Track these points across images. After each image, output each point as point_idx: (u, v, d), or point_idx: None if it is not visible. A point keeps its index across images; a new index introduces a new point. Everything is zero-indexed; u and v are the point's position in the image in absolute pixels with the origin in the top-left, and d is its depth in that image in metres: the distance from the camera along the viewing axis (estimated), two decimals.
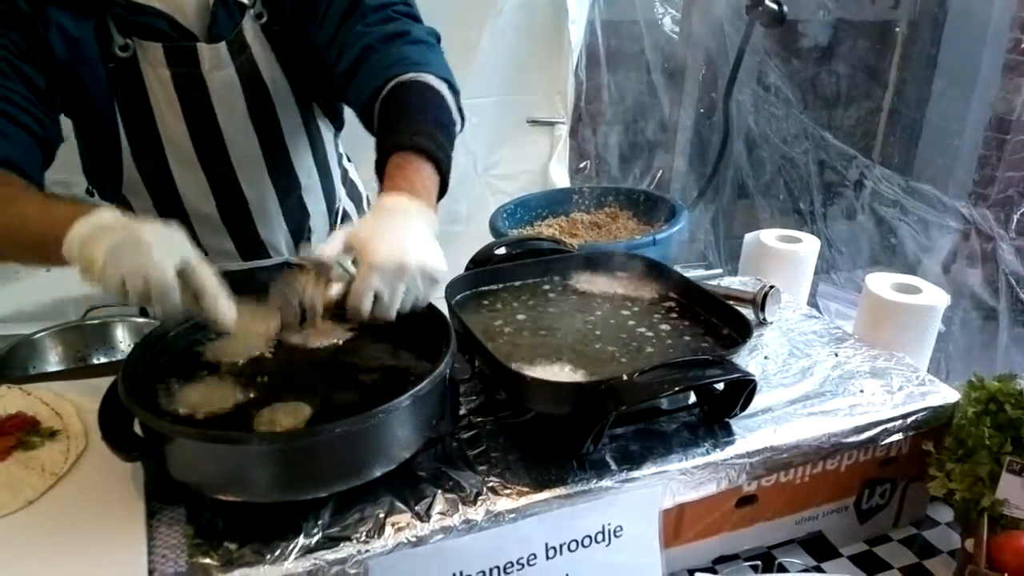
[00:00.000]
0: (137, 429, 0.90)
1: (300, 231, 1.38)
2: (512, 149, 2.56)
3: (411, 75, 1.08)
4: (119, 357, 2.00)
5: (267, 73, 1.22)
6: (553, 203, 1.92)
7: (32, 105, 1.07)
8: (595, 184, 2.54)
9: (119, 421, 0.90)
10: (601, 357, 1.09)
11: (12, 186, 1.01)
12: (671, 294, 1.26)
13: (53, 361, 1.92)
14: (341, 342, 1.08)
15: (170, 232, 0.88)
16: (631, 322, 1.19)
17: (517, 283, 1.30)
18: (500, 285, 1.29)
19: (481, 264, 1.32)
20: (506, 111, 2.50)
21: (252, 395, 0.96)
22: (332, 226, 1.47)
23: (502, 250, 1.34)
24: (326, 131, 1.39)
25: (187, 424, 0.89)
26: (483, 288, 1.28)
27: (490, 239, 1.59)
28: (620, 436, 1.06)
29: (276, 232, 1.35)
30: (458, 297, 1.24)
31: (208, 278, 0.88)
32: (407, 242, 0.91)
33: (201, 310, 0.89)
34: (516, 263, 1.32)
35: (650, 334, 1.15)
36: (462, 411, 1.10)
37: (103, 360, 1.94)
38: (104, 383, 0.96)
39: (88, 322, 2.04)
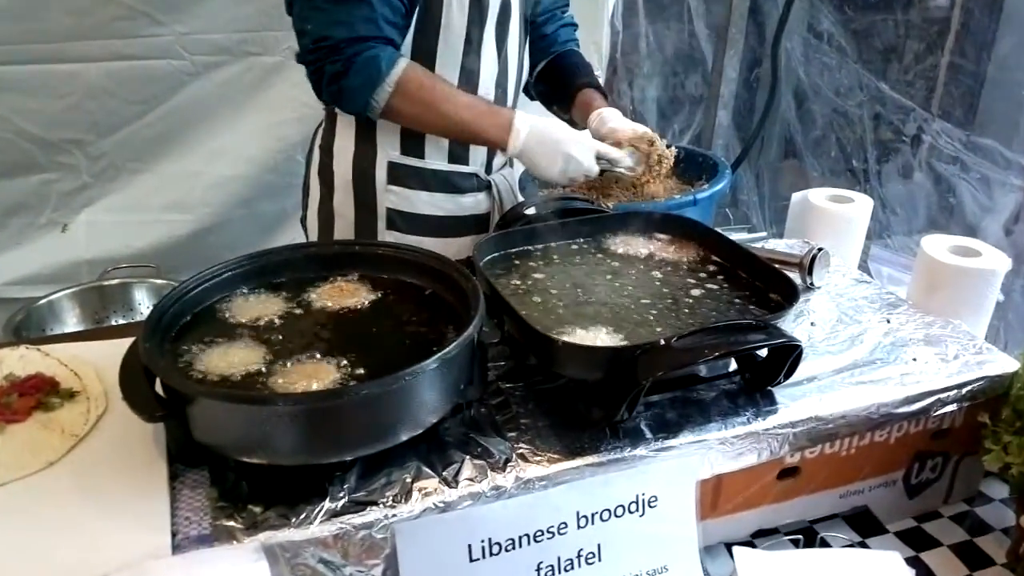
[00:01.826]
0: (159, 390, 0.92)
1: (492, 152, 1.58)
2: (541, 108, 2.54)
3: (572, 45, 1.74)
4: (138, 319, 2.05)
5: None
6: None
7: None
8: None
9: (140, 382, 0.92)
10: (636, 321, 1.09)
11: (442, 82, 1.42)
12: (712, 257, 1.26)
13: (71, 323, 1.98)
14: (368, 303, 1.10)
15: (580, 140, 1.47)
16: (669, 286, 1.19)
17: (548, 245, 1.31)
18: (530, 247, 1.30)
19: (510, 224, 1.33)
20: None
21: (276, 356, 0.99)
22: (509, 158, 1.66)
23: (532, 210, 1.35)
24: (524, 69, 1.64)
25: (211, 384, 0.92)
26: (512, 250, 1.29)
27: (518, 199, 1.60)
28: (656, 404, 1.07)
29: (480, 150, 1.55)
30: (487, 258, 1.25)
31: (612, 151, 1.52)
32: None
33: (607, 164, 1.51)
34: (547, 224, 1.32)
35: (689, 299, 1.15)
36: (490, 376, 1.12)
37: (121, 322, 1.98)
38: (124, 344, 0.98)
39: (105, 283, 2.08)
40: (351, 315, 1.08)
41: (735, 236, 1.30)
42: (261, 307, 1.09)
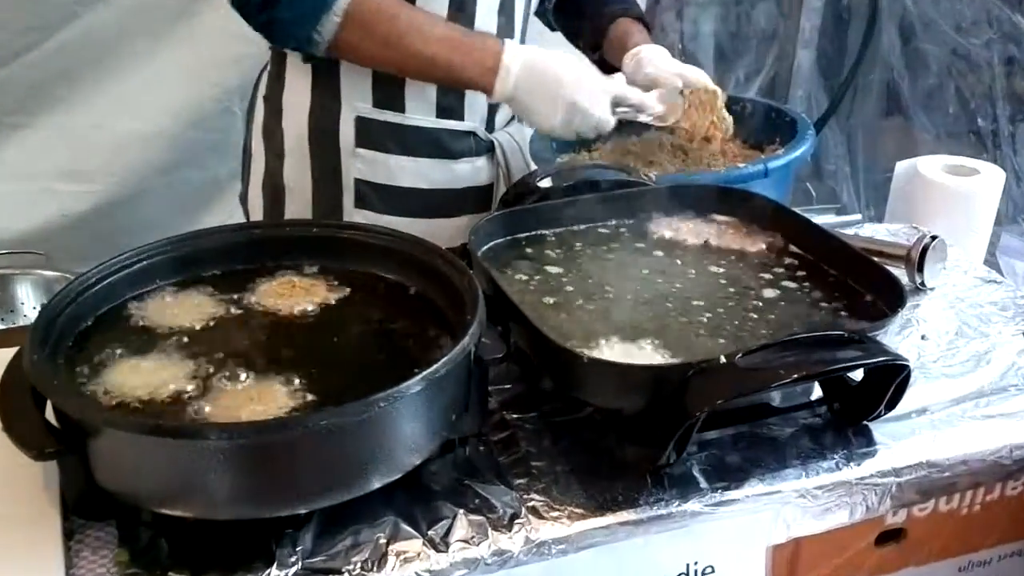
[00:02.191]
0: (51, 417, 0.92)
1: (495, 105, 1.58)
2: (563, 42, 2.54)
3: None
4: (21, 322, 2.06)
5: None
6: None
7: None
8: None
9: (26, 407, 0.92)
10: (688, 332, 1.09)
11: (408, 7, 1.40)
12: (790, 246, 1.26)
13: None
14: (329, 305, 1.11)
15: (590, 83, 1.43)
16: (732, 285, 1.19)
17: (569, 228, 1.31)
18: (546, 231, 1.30)
19: (519, 201, 1.34)
20: None
21: (207, 373, 0.99)
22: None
23: (547, 182, 1.35)
24: None
25: (120, 411, 0.92)
26: (522, 235, 1.30)
27: (529, 167, 1.60)
28: (714, 442, 1.07)
29: (478, 99, 1.55)
30: (487, 247, 1.25)
31: (635, 93, 1.49)
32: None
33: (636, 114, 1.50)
34: (568, 200, 1.33)
35: (758, 302, 1.16)
36: (492, 404, 1.12)
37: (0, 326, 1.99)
38: (4, 355, 0.98)
39: None
40: (307, 320, 1.09)
41: (821, 219, 1.30)
42: (187, 309, 1.09)
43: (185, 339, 1.05)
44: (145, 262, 1.12)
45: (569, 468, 1.03)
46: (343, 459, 0.90)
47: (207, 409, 0.94)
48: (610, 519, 0.97)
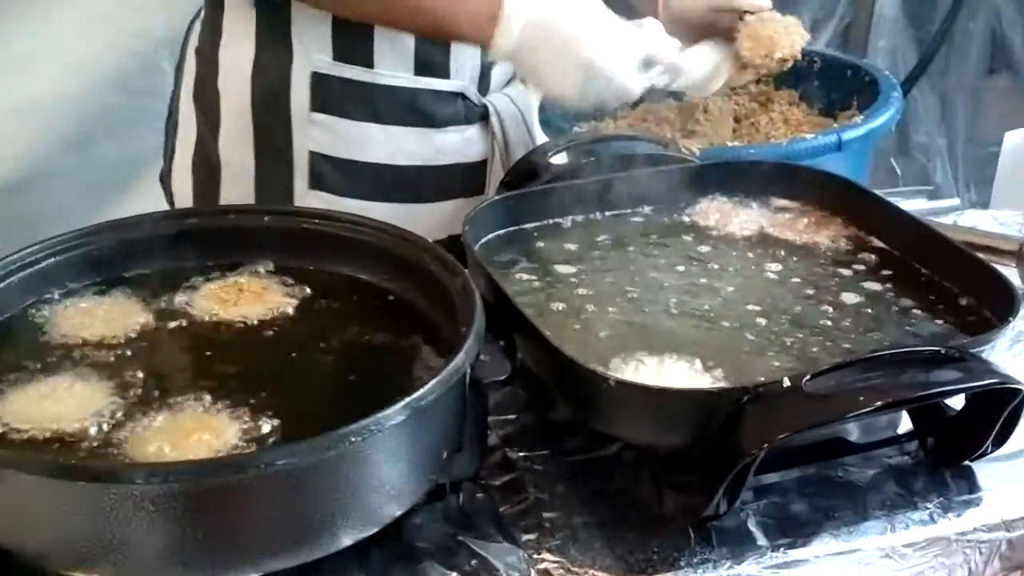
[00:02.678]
0: None
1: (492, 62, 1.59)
2: None
3: None
4: None
5: None
6: None
7: None
8: None
9: None
10: (741, 347, 1.10)
11: None
12: (871, 239, 1.27)
13: None
14: (287, 313, 1.12)
15: (613, 38, 1.40)
16: (796, 287, 1.20)
17: (590, 217, 1.32)
18: (560, 220, 1.31)
19: (525, 183, 1.35)
20: None
21: (134, 400, 0.99)
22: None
23: (560, 158, 1.35)
24: None
25: (21, 447, 0.92)
26: (529, 225, 1.31)
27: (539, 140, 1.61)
28: (775, 488, 1.07)
29: (467, 51, 1.55)
30: (487, 239, 1.26)
31: (672, 53, 1.45)
32: None
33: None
34: (587, 182, 1.34)
35: (830, 308, 1.16)
36: (493, 439, 1.13)
37: None
38: None
39: None
40: (259, 333, 1.09)
41: (909, 204, 1.30)
42: (107, 318, 1.10)
43: (105, 356, 1.05)
44: (52, 260, 1.13)
45: (591, 520, 1.04)
46: (304, 509, 0.90)
47: (133, 445, 0.94)
48: None
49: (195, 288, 1.15)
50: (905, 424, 1.14)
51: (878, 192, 1.35)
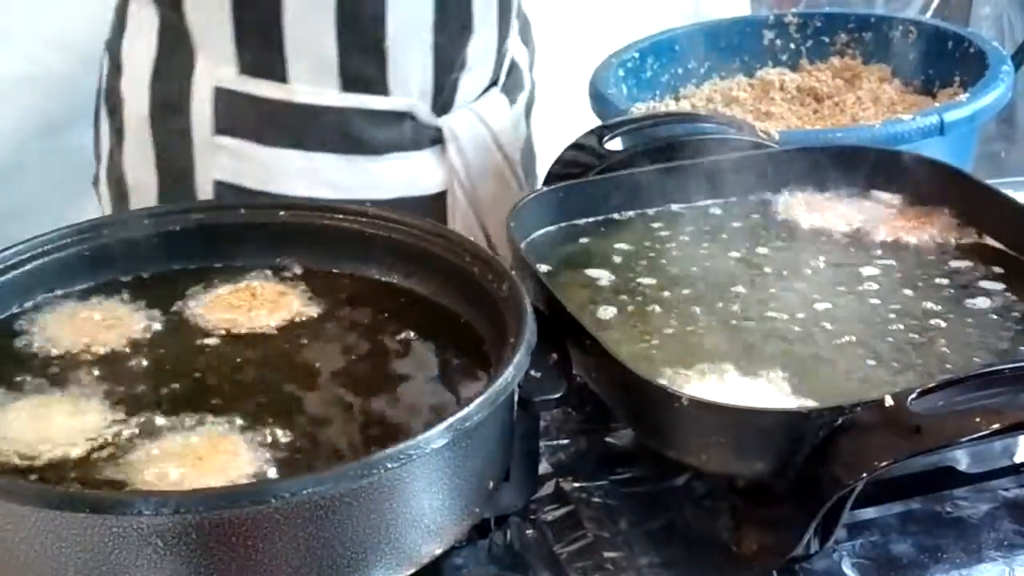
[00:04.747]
0: None
1: (449, 68, 1.49)
2: None
3: None
4: None
5: None
6: (722, 48, 1.95)
7: None
8: (808, 8, 2.53)
9: None
10: (835, 362, 1.10)
11: None
12: (984, 237, 1.27)
13: None
14: (307, 322, 1.13)
15: None
16: (897, 292, 1.20)
17: (653, 211, 1.33)
18: (618, 215, 1.33)
19: (577, 174, 1.35)
20: None
21: (137, 420, 1.00)
22: (498, 77, 1.59)
23: (616, 144, 1.36)
24: None
25: (10, 474, 0.94)
26: (584, 221, 1.32)
27: (590, 123, 1.61)
28: (874, 525, 1.07)
29: (414, 61, 1.46)
30: (536, 237, 1.27)
31: None
32: None
33: None
34: (648, 170, 1.35)
35: (938, 319, 1.16)
36: (545, 467, 1.13)
37: None
38: None
39: None
40: (276, 343, 1.10)
41: (1020, 197, 1.30)
42: (103, 328, 1.11)
43: (102, 371, 1.06)
44: (38, 262, 1.14)
45: (659, 561, 1.04)
46: (332, 545, 0.90)
47: (134, 471, 0.95)
48: None
49: (202, 293, 1.17)
50: None
51: (988, 182, 1.34)
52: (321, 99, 1.44)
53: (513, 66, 1.66)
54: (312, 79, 1.43)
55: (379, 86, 1.45)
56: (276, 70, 1.42)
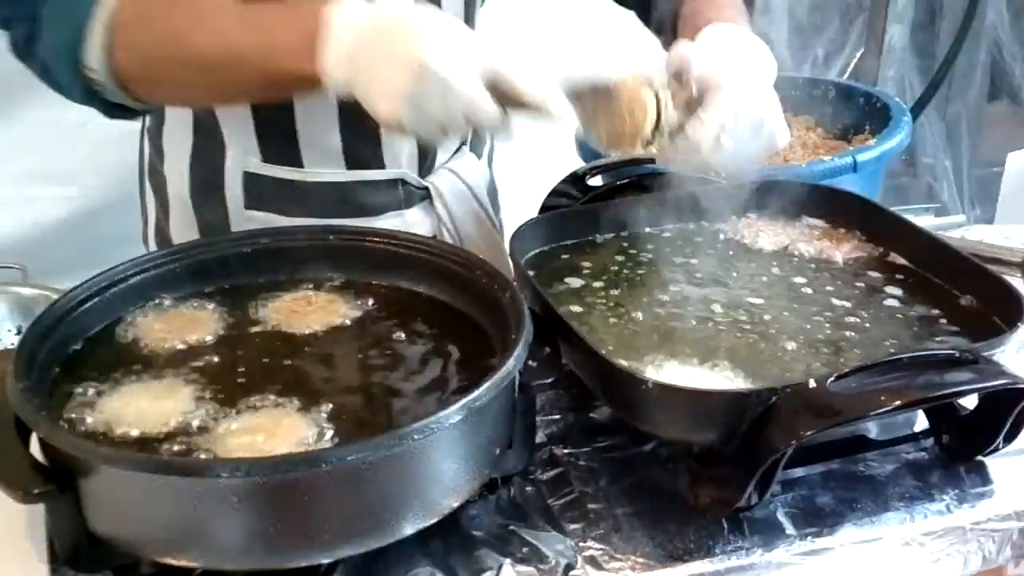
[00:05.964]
0: (38, 453, 0.94)
1: (430, 143, 1.45)
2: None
3: None
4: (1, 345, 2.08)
5: None
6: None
7: None
8: None
9: (10, 442, 0.93)
10: (770, 352, 1.10)
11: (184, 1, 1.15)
12: (888, 253, 1.27)
13: None
14: (351, 323, 1.13)
15: (452, 36, 1.04)
16: (819, 297, 1.20)
17: (627, 233, 1.33)
18: (599, 236, 1.32)
19: (565, 204, 1.35)
20: None
21: (215, 402, 1.01)
22: (467, 139, 1.55)
23: (598, 179, 1.35)
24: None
25: (118, 445, 0.94)
26: (571, 241, 1.31)
27: (575, 164, 1.61)
28: (802, 482, 1.07)
29: (403, 142, 1.44)
30: (532, 254, 1.26)
31: (527, 77, 1.05)
32: (765, 90, 1.20)
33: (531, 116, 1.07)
34: (624, 201, 1.35)
35: (852, 317, 1.16)
36: (540, 437, 1.13)
37: None
38: None
39: None
40: (326, 341, 1.10)
41: (917, 221, 1.30)
42: (191, 329, 1.11)
43: (189, 363, 1.07)
44: (141, 276, 1.15)
45: (632, 511, 1.04)
46: (371, 501, 0.91)
47: (216, 443, 0.95)
48: (681, 571, 0.97)
49: (269, 300, 1.17)
50: (922, 423, 1.13)
51: (892, 209, 1.34)
52: (329, 177, 1.42)
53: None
54: (321, 163, 1.41)
55: (376, 162, 1.41)
56: (292, 158, 1.40)
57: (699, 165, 1.21)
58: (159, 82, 1.18)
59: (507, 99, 1.04)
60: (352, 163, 1.41)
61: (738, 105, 1.15)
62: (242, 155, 1.40)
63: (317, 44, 1.04)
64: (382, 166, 1.43)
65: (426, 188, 1.47)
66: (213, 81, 1.15)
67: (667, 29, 1.36)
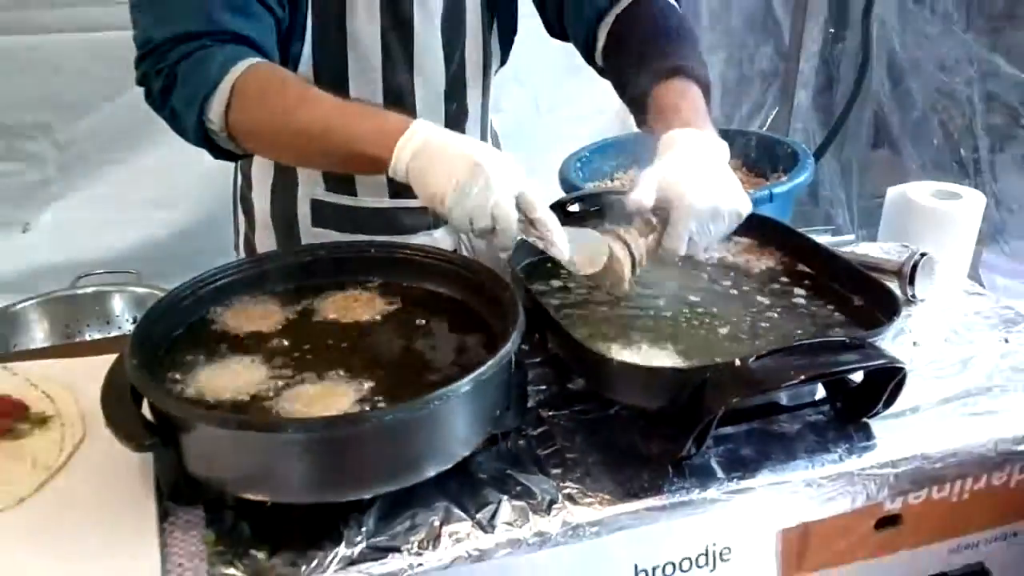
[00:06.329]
0: (148, 414, 0.94)
1: None
2: (584, 83, 2.50)
3: None
4: (115, 333, 2.08)
5: None
6: (638, 150, 1.92)
7: None
8: None
9: (127, 405, 0.94)
10: (706, 338, 1.10)
11: (302, 82, 1.17)
12: (797, 264, 1.27)
13: (39, 337, 2.01)
14: (387, 315, 1.13)
15: (502, 158, 1.04)
16: (745, 296, 1.20)
17: None
18: None
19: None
20: None
21: (282, 376, 1.01)
22: None
23: (575, 207, 1.35)
24: (494, 64, 1.49)
25: (208, 408, 0.94)
26: None
27: (558, 195, 1.60)
28: (729, 437, 1.07)
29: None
30: (524, 263, 1.26)
31: (544, 206, 1.06)
32: (718, 184, 1.11)
33: (537, 239, 1.07)
34: (594, 223, 1.33)
35: (769, 312, 1.16)
36: (531, 402, 1.13)
37: (96, 336, 2.01)
38: (103, 361, 1.00)
39: (78, 291, 2.12)
40: (368, 329, 1.10)
41: (817, 239, 1.30)
42: (264, 319, 1.11)
43: (262, 346, 1.07)
44: (228, 279, 1.15)
45: (600, 459, 1.04)
46: (403, 450, 0.92)
47: (283, 406, 0.96)
48: (637, 505, 0.98)
49: (323, 298, 1.16)
50: (820, 392, 1.13)
51: (799, 230, 1.34)
52: (377, 204, 1.42)
53: None
54: (371, 193, 1.41)
55: (413, 192, 1.38)
56: (349, 188, 1.41)
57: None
58: (263, 142, 1.18)
59: (522, 214, 1.04)
60: (394, 194, 1.41)
61: (697, 214, 1.07)
62: (311, 186, 1.41)
63: (392, 140, 1.05)
64: (416, 196, 1.42)
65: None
66: (305, 149, 1.15)
67: (640, 110, 1.24)
